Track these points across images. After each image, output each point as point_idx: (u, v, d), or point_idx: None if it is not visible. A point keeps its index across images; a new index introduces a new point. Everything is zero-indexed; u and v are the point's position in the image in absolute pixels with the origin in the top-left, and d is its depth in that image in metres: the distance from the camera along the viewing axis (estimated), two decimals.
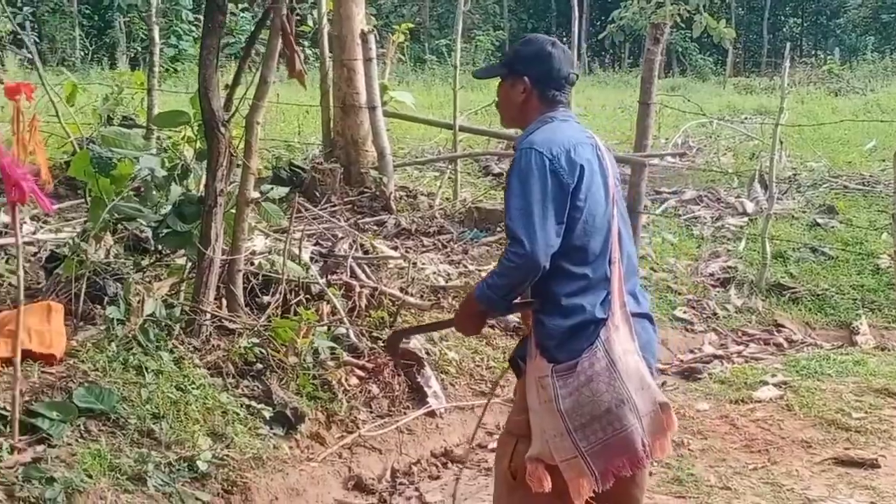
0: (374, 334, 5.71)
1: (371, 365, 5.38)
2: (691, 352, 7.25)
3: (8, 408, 4.06)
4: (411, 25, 10.22)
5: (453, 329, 4.34)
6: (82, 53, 27.57)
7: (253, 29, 5.57)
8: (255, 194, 5.56)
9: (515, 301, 3.41)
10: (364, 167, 8.65)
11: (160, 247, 5.89)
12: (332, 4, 9.00)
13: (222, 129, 5.22)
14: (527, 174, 3.23)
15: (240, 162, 5.46)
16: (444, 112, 14.54)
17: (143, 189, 5.86)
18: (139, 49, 25.91)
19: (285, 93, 16.32)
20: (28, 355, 4.57)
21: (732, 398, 6.03)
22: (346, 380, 5.29)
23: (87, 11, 30.62)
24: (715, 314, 7.80)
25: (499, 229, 7.90)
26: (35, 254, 6.67)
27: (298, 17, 5.50)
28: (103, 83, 10.36)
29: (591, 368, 3.22)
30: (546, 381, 3.27)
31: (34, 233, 7.24)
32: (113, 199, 5.65)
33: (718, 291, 8.19)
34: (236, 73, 5.62)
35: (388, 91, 9.00)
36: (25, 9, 27.92)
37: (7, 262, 6.48)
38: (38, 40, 27.86)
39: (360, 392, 5.28)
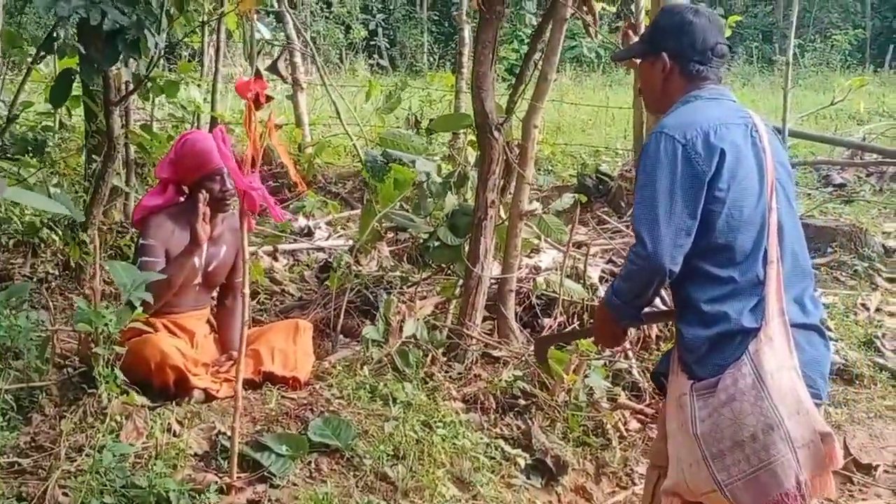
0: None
1: (653, 409, 4.59)
2: None
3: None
4: (738, 18, 9.16)
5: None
6: (430, 59, 28.38)
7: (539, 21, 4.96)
8: (533, 206, 4.95)
9: (649, 311, 3.10)
10: None
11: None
12: None
13: (495, 134, 4.67)
14: (654, 163, 2.81)
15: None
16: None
17: (418, 196, 5.44)
18: None
19: (615, 95, 15.74)
20: (269, 378, 4.24)
21: None
22: (625, 424, 4.55)
23: (436, 17, 31.52)
24: None
25: (830, 250, 6.78)
26: (322, 261, 6.47)
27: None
28: (416, 87, 10.19)
29: (733, 386, 2.73)
30: (684, 400, 2.84)
31: (327, 238, 7.09)
32: (388, 207, 5.30)
33: None
34: (520, 71, 5.08)
35: None
36: (378, 16, 29.17)
37: (291, 269, 6.33)
38: (388, 46, 29.09)
39: (641, 440, 4.52)
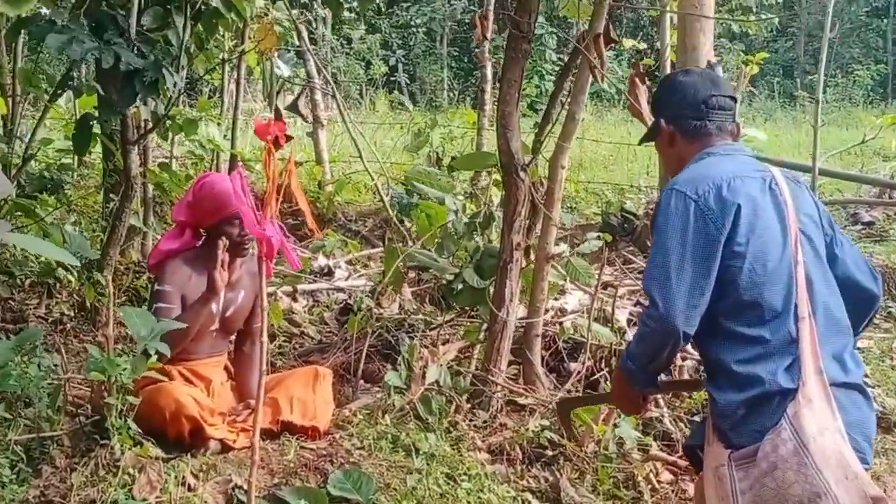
0: (695, 419, 4.73)
1: (686, 462, 4.40)
2: None
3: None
4: (765, 55, 9.04)
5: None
6: (450, 95, 28.38)
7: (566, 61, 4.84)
8: (559, 249, 4.81)
9: (669, 379, 3.07)
10: None
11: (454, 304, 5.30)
12: (676, 33, 8.11)
13: (521, 174, 4.54)
14: (665, 220, 2.74)
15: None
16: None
17: (441, 236, 5.31)
18: None
19: (637, 130, 15.61)
20: (288, 428, 4.10)
21: None
22: (656, 476, 4.37)
23: (456, 53, 31.59)
24: None
25: None
26: (343, 301, 6.34)
27: (613, 43, 4.67)
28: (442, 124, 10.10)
29: (774, 453, 2.55)
30: (722, 472, 2.67)
31: (347, 278, 6.97)
32: (425, 239, 5.20)
33: None
34: (546, 111, 4.95)
35: None
36: (398, 52, 29.29)
37: (311, 310, 6.20)
38: (409, 82, 29.16)
39: (673, 492, 4.33)
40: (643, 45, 10.94)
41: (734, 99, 3.04)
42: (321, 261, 7.22)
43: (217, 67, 7.85)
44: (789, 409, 2.55)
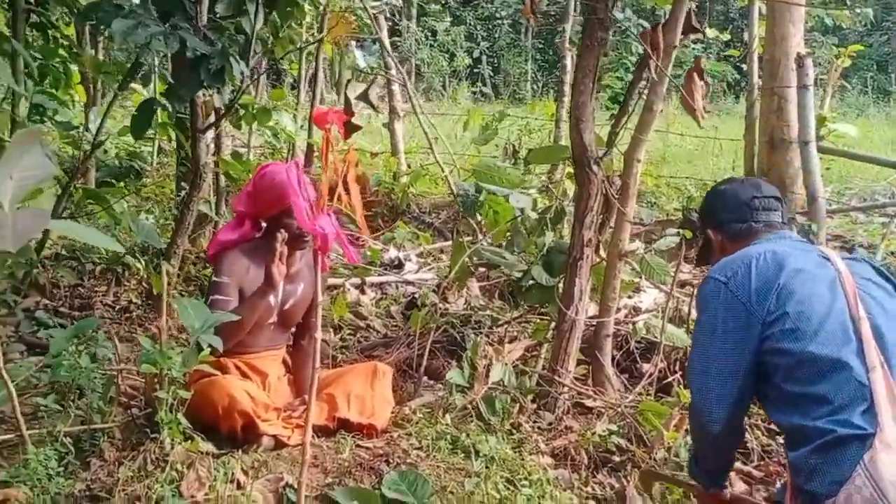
0: (772, 427, 4.49)
1: (762, 472, 4.17)
2: None
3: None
4: (860, 47, 8.65)
5: None
6: (533, 87, 28.12)
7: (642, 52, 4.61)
8: (633, 245, 4.60)
9: (743, 497, 3.13)
10: (791, 212, 7.29)
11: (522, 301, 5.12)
12: (765, 24, 7.81)
13: (594, 168, 4.34)
14: (701, 308, 2.81)
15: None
16: None
17: (511, 231, 5.14)
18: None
19: (723, 125, 15.19)
20: (345, 425, 3.98)
21: None
22: (730, 486, 4.14)
23: (541, 45, 31.28)
24: None
25: None
26: (410, 295, 6.21)
27: (698, 34, 4.44)
28: (515, 115, 9.91)
29: (847, 503, 2.36)
30: None
31: (417, 270, 6.84)
32: (492, 234, 5.05)
33: None
34: (623, 101, 4.74)
35: (827, 123, 7.56)
36: (483, 44, 29.14)
37: (378, 303, 6.09)
38: (492, 74, 28.98)
39: None
40: (727, 37, 10.58)
41: (779, 199, 3.01)
42: (391, 253, 7.11)
43: (293, 56, 7.79)
44: (866, 455, 2.39)
